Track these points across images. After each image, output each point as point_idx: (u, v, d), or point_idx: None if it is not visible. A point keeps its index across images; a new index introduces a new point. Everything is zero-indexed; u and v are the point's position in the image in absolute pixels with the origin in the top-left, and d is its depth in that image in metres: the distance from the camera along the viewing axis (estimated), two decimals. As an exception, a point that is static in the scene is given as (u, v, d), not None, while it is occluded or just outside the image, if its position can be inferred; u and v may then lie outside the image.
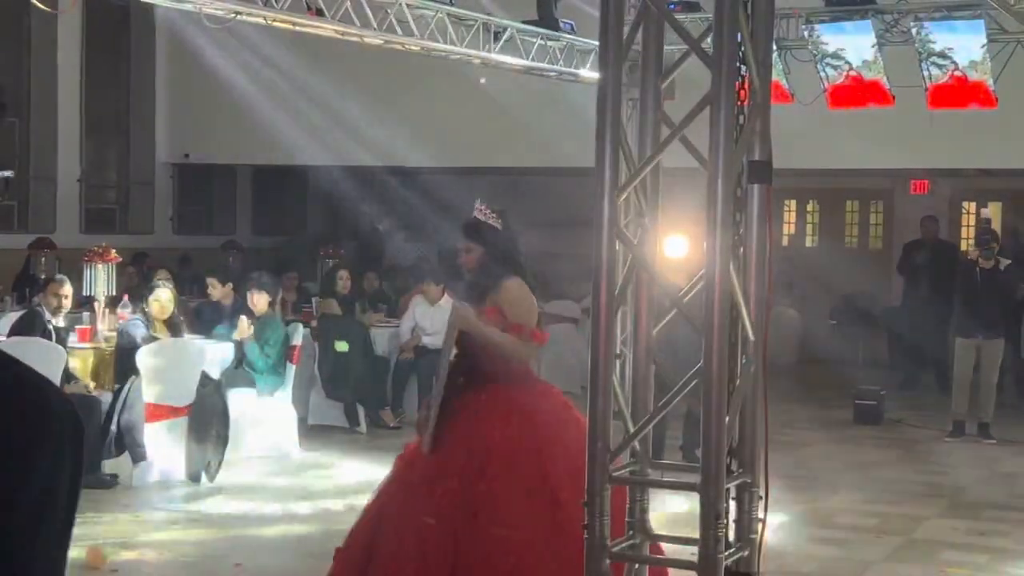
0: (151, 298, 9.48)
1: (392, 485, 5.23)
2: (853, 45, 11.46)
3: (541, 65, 12.31)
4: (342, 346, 11.38)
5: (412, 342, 11.91)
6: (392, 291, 14.89)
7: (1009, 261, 11.97)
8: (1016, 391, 14.08)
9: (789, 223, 18.79)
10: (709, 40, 3.91)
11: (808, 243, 18.89)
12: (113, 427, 8.97)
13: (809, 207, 18.88)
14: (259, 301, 10.32)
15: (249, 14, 9.61)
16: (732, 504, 4.00)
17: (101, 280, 10.41)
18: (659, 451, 10.22)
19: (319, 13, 9.88)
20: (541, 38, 12.11)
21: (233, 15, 9.51)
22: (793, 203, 18.73)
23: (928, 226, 15.32)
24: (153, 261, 14.96)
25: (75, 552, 6.93)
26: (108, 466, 9.05)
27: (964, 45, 10.94)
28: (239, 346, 10.07)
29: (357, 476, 9.35)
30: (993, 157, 13.70)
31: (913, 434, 12.03)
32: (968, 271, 11.94)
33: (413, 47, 10.99)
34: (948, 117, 11.88)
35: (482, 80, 13.39)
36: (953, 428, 11.67)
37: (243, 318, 10.16)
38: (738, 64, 3.92)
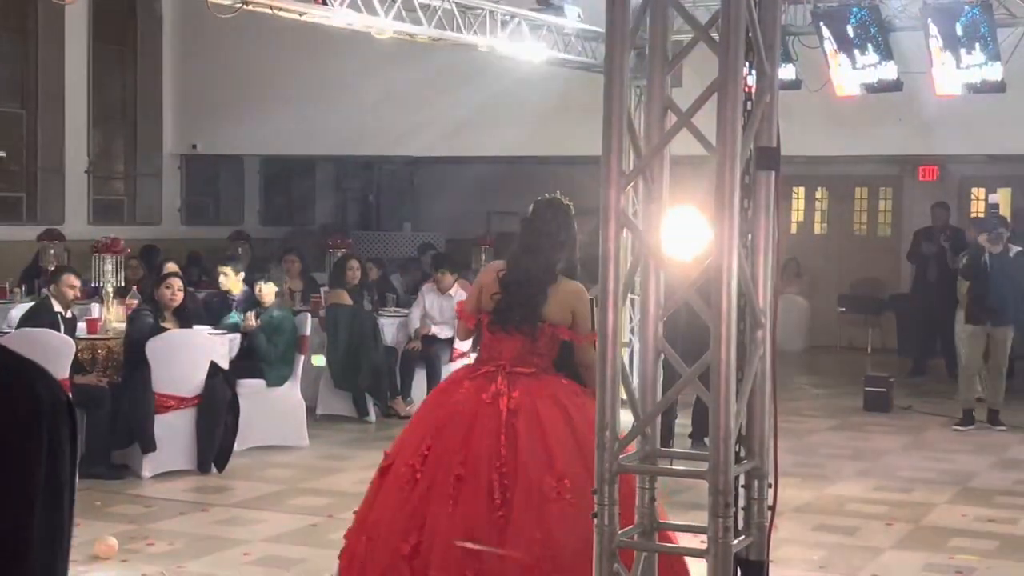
0: (163, 285, 9.49)
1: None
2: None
3: (549, 52, 12.27)
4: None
5: (422, 331, 11.90)
6: (399, 282, 14.89)
7: (1020, 248, 11.88)
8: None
9: (798, 210, 18.74)
10: (717, 26, 3.89)
11: (817, 230, 18.85)
12: (122, 418, 8.99)
13: (818, 194, 18.83)
14: (266, 292, 10.33)
15: (256, 3, 9.58)
16: (741, 492, 3.99)
17: (109, 271, 10.42)
18: (668, 439, 10.23)
19: (325, 2, 9.85)
20: (548, 26, 12.08)
21: (240, 4, 9.49)
22: (802, 190, 18.68)
23: (938, 213, 15.27)
24: (165, 255, 14.98)
25: (86, 542, 6.95)
26: (117, 457, 9.07)
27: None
28: (246, 337, 10.07)
29: (366, 466, 9.35)
30: (1002, 143, 13.65)
31: (923, 421, 12.01)
32: (976, 257, 11.87)
33: (420, 36, 10.97)
34: (957, 103, 11.83)
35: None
36: (963, 416, 11.62)
37: (250, 313, 10.16)
38: (745, 50, 3.90)
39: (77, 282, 9.62)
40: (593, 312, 5.20)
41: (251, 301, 10.44)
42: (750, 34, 3.92)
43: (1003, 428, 11.51)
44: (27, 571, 1.50)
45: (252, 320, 10.11)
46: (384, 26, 10.43)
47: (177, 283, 9.58)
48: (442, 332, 11.81)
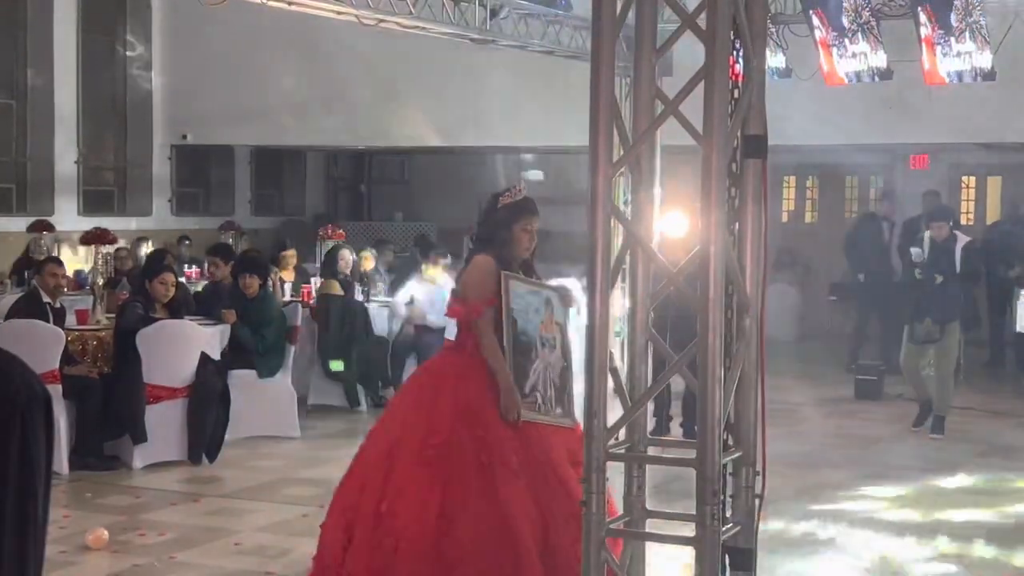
0: (157, 280, 9.46)
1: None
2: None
3: (537, 42, 12.27)
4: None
5: (415, 319, 11.85)
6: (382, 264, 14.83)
7: (969, 239, 10.96)
8: (1017, 366, 14.07)
9: (788, 199, 18.76)
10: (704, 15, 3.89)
11: (808, 219, 18.86)
12: (113, 409, 8.98)
13: (808, 183, 18.85)
14: (250, 283, 10.31)
15: (244, -7, 9.57)
16: (729, 480, 4.00)
17: (100, 262, 10.40)
18: (659, 428, 10.24)
19: (314, -9, 9.84)
20: (537, 16, 12.07)
21: (228, -6, 9.47)
22: (792, 179, 18.69)
23: (930, 201, 15.23)
24: (156, 244, 14.96)
25: (76, 533, 6.95)
26: (108, 448, 9.06)
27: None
28: (233, 329, 10.03)
29: (357, 455, 9.33)
30: (993, 131, 13.66)
31: (913, 409, 11.99)
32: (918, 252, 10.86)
33: (409, 26, 10.95)
34: (947, 91, 11.84)
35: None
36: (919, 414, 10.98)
37: (225, 311, 10.09)
38: (732, 39, 3.90)
39: (61, 270, 9.57)
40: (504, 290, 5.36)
41: (238, 292, 10.40)
42: (737, 22, 3.92)
43: (940, 437, 10.53)
44: None
45: (232, 314, 10.06)
46: (371, 16, 10.42)
47: (171, 279, 9.55)
48: (436, 322, 11.78)
